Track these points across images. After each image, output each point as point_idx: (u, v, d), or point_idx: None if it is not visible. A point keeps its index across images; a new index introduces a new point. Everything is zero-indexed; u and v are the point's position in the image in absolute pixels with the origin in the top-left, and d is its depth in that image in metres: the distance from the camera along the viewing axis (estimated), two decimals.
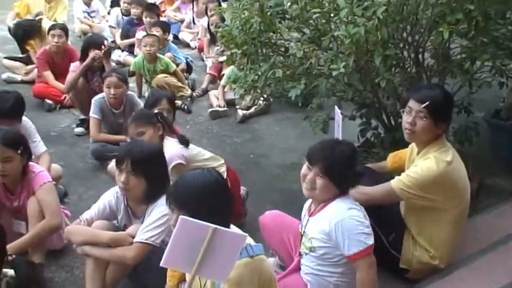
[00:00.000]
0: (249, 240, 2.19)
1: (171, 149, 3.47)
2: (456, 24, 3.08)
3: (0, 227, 1.90)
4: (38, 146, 3.98)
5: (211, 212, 2.03)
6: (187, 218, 1.90)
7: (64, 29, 5.94)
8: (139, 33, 6.95)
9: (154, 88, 5.65)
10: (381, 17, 3.00)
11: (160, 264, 1.96)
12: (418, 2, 3.18)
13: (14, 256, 1.88)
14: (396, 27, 3.35)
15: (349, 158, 2.54)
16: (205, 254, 1.90)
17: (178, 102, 5.71)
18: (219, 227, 1.88)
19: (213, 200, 2.16)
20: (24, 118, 3.98)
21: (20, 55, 6.83)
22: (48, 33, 5.93)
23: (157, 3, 9.07)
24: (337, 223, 2.48)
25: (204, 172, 2.28)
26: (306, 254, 2.65)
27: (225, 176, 3.52)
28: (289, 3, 3.55)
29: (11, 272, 1.81)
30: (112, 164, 4.26)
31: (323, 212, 2.58)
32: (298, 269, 2.73)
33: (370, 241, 2.48)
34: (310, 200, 2.74)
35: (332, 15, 3.39)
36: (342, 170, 2.51)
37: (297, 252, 2.76)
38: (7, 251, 1.92)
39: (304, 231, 2.68)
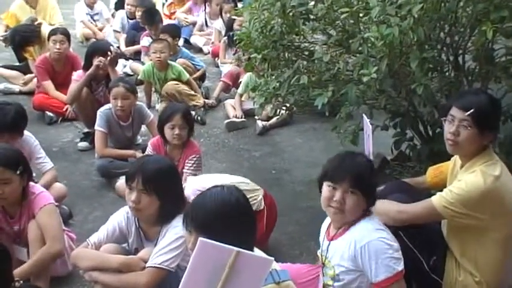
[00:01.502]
0: (275, 265, 2.20)
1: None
2: (501, 22, 3.08)
3: (5, 251, 1.93)
4: (43, 162, 4.06)
5: (232, 234, 2.04)
6: (207, 240, 1.91)
7: (66, 34, 6.02)
8: (144, 40, 7.03)
9: (171, 103, 5.71)
10: (416, 15, 3.01)
11: None
12: None
13: (21, 282, 1.91)
14: (433, 27, 3.36)
15: (371, 167, 2.61)
16: (226, 280, 1.90)
17: (191, 113, 5.78)
18: (242, 250, 1.89)
19: (234, 221, 2.17)
20: (26, 133, 4.05)
21: (17, 63, 6.95)
22: (48, 39, 6.01)
23: (165, 4, 9.22)
24: (363, 246, 2.47)
25: (223, 191, 2.29)
26: (330, 285, 2.64)
27: (262, 204, 3.60)
28: (313, 3, 3.58)
29: None
30: (120, 182, 4.33)
31: (347, 234, 2.58)
32: None
33: (400, 267, 2.46)
34: (327, 222, 2.75)
35: (361, 14, 3.42)
36: (370, 181, 2.54)
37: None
38: (14, 276, 1.95)
39: (325, 258, 2.67)
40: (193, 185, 3.47)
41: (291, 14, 3.61)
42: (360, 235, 2.51)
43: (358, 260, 2.48)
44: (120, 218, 3.04)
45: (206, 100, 6.22)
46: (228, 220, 2.15)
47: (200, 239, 1.92)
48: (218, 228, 2.08)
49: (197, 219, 2.19)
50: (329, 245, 2.67)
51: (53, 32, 6.01)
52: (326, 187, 2.57)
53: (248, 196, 3.50)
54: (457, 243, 2.87)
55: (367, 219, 2.57)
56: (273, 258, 1.98)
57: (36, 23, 6.94)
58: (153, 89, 6.15)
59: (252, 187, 3.69)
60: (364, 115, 3.43)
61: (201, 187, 3.37)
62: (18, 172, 3.19)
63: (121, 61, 7.22)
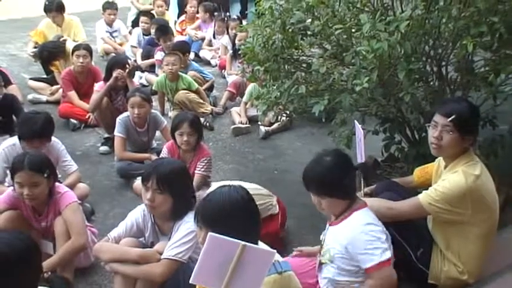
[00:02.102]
0: (277, 257, 2.19)
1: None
2: (480, 36, 3.07)
3: (35, 245, 1.93)
4: (69, 165, 4.07)
5: (238, 229, 2.03)
6: (216, 235, 1.90)
7: (88, 49, 6.02)
8: (158, 54, 7.03)
9: (180, 112, 5.71)
10: (403, 31, 3.00)
11: (190, 281, 1.96)
12: (441, 16, 3.18)
13: (49, 273, 1.92)
14: (419, 41, 3.34)
15: (337, 168, 2.60)
16: (234, 271, 1.90)
17: (201, 120, 5.77)
18: (248, 243, 1.89)
19: (240, 216, 2.17)
20: (53, 138, 4.06)
21: (45, 76, 6.97)
22: (72, 54, 6.01)
23: (177, 22, 9.23)
24: (353, 237, 2.52)
25: (230, 190, 2.29)
26: (326, 264, 2.66)
27: (277, 208, 3.65)
28: (310, 20, 3.58)
29: None
30: (137, 182, 4.32)
31: (342, 224, 2.62)
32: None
33: (385, 256, 2.48)
34: None
35: (354, 30, 3.41)
36: (333, 183, 2.57)
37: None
38: (43, 268, 1.96)
39: (323, 240, 2.71)
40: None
41: (290, 30, 3.60)
42: (352, 228, 2.55)
43: (350, 249, 2.53)
44: (137, 214, 3.05)
45: (214, 108, 6.22)
46: (234, 216, 2.15)
47: (210, 233, 1.91)
48: (226, 224, 2.08)
49: (206, 216, 2.19)
50: (328, 229, 2.72)
51: (76, 48, 6.02)
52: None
53: (265, 201, 3.62)
54: (441, 237, 2.86)
55: (361, 210, 2.60)
56: (275, 251, 1.98)
57: (61, 39, 6.97)
58: (165, 98, 6.14)
59: (267, 193, 3.73)
60: (355, 121, 3.43)
61: None
62: (45, 175, 3.20)
63: (137, 73, 7.22)
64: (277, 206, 3.70)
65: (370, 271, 2.49)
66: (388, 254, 2.49)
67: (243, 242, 1.87)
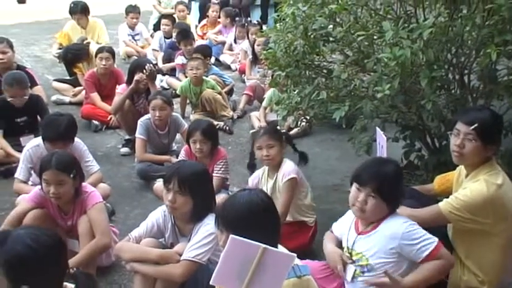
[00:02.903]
0: (296, 261, 2.20)
1: (290, 165, 3.62)
2: (504, 45, 3.06)
3: (62, 241, 1.98)
4: (91, 165, 4.13)
5: (259, 232, 2.04)
6: (237, 237, 1.92)
7: (111, 51, 6.11)
8: (178, 58, 7.10)
9: (202, 115, 5.76)
10: (426, 38, 3.00)
11: (210, 282, 1.99)
12: (465, 24, 3.17)
13: (74, 269, 1.96)
14: (442, 49, 3.33)
15: (399, 175, 2.59)
16: (254, 273, 1.91)
17: (220, 124, 5.82)
18: (268, 246, 1.90)
19: (260, 219, 2.19)
20: (76, 139, 4.12)
21: (68, 77, 7.07)
22: (95, 56, 6.12)
23: (199, 26, 9.31)
24: (402, 237, 2.49)
25: (250, 193, 2.32)
26: (361, 273, 2.62)
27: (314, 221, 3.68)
28: (332, 26, 3.59)
29: (71, 286, 1.89)
30: (158, 184, 4.37)
31: (379, 230, 2.58)
32: None
33: (434, 239, 2.49)
34: (351, 217, 2.74)
35: (376, 37, 3.41)
36: (393, 188, 2.54)
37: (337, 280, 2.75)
38: (69, 264, 2.00)
39: (352, 249, 2.66)
40: (292, 166, 3.61)
41: (312, 36, 3.61)
42: (395, 229, 2.52)
43: (403, 248, 2.50)
44: (158, 215, 3.07)
45: (233, 112, 6.26)
46: (254, 219, 2.17)
47: (231, 236, 1.93)
48: (246, 226, 2.10)
49: (227, 219, 2.21)
50: (356, 238, 2.66)
51: (99, 50, 6.10)
52: (354, 187, 2.60)
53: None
54: (462, 245, 2.84)
55: (392, 215, 2.59)
56: (295, 255, 1.99)
57: (85, 42, 7.08)
58: (187, 101, 6.19)
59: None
60: (377, 128, 3.42)
61: (298, 170, 3.63)
62: (71, 175, 3.26)
63: (158, 76, 7.29)
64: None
65: (427, 260, 2.47)
66: (435, 238, 2.50)
67: (264, 245, 1.89)
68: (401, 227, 2.52)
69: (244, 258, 1.91)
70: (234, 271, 1.93)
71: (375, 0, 3.61)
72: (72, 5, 7.61)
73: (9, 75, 4.99)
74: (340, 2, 3.45)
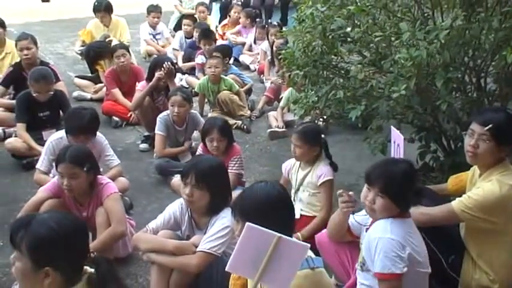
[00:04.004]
0: (310, 253, 2.24)
1: (325, 167, 3.72)
2: None
3: (83, 226, 2.05)
4: (111, 159, 4.23)
5: (274, 222, 2.08)
6: (253, 225, 1.97)
7: (124, 47, 6.22)
8: (198, 58, 7.18)
9: (219, 114, 5.83)
10: (443, 40, 3.04)
11: (226, 269, 2.04)
12: (481, 26, 3.20)
13: (94, 254, 2.04)
14: (458, 51, 3.36)
15: (408, 176, 2.54)
16: (268, 262, 1.96)
17: (238, 122, 5.89)
18: (283, 235, 1.96)
19: (276, 210, 2.26)
20: (98, 134, 4.22)
21: (90, 74, 7.21)
22: (112, 57, 6.21)
23: (219, 26, 9.40)
24: (377, 238, 2.45)
25: (267, 185, 2.38)
26: (361, 270, 2.66)
27: None
28: (350, 27, 3.64)
29: (90, 269, 1.96)
30: (175, 179, 4.46)
31: (371, 228, 2.61)
32: (354, 285, 2.76)
33: (397, 270, 2.39)
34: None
35: (393, 38, 3.45)
36: (401, 189, 2.51)
37: (354, 268, 2.79)
38: (89, 248, 2.08)
39: (361, 243, 2.73)
40: (328, 168, 3.72)
41: (330, 36, 3.67)
42: (381, 229, 2.50)
43: (372, 248, 2.47)
44: (175, 208, 3.15)
45: (251, 112, 6.32)
46: (271, 209, 2.23)
47: (247, 223, 1.98)
48: (262, 217, 2.14)
49: (244, 209, 2.27)
50: (365, 235, 2.69)
51: (113, 49, 6.22)
52: (365, 186, 2.62)
53: None
54: (474, 244, 2.87)
55: (401, 220, 2.52)
56: (308, 245, 2.02)
57: (107, 39, 7.21)
58: (205, 100, 6.28)
59: None
60: (392, 127, 3.45)
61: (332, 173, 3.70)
62: (85, 169, 3.33)
63: (178, 75, 7.36)
64: None
65: (377, 276, 2.43)
66: (400, 270, 2.40)
67: (279, 234, 1.95)
68: (384, 233, 2.45)
69: (259, 247, 1.96)
70: (249, 259, 1.99)
71: (393, 2, 3.65)
72: (96, 3, 7.77)
73: (36, 70, 5.11)
74: (358, 3, 3.50)
